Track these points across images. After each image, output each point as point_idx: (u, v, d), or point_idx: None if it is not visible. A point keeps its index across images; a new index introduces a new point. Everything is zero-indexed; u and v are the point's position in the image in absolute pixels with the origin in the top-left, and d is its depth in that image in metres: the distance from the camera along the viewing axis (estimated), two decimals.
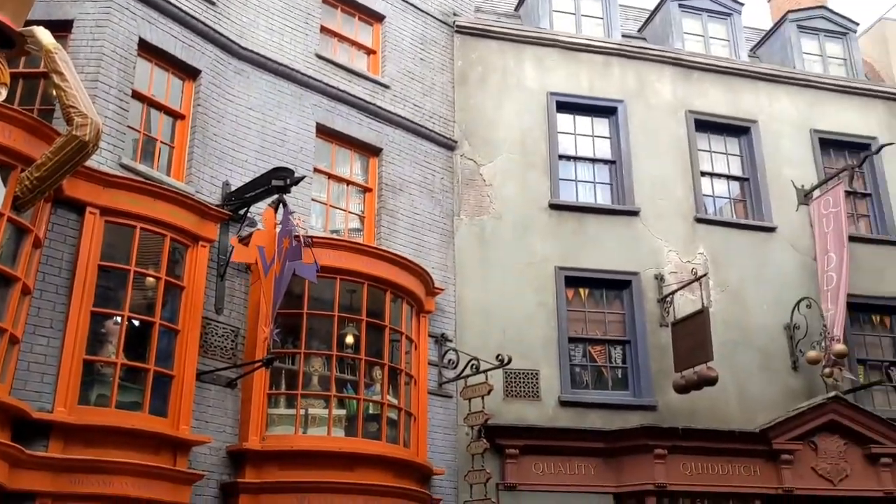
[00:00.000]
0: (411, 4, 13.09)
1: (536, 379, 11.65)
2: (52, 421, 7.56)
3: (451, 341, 11.44)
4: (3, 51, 7.94)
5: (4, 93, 7.92)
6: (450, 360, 11.22)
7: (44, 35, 7.65)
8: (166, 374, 8.54)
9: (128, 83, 9.32)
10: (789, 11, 16.14)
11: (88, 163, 7.83)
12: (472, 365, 10.70)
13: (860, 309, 13.46)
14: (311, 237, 9.40)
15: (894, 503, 11.91)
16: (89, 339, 8.15)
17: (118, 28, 9.32)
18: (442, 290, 11.48)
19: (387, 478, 9.56)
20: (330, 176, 11.45)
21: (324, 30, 11.96)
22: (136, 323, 8.69)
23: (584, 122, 13.74)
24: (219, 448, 8.95)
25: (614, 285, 12.67)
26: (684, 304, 12.30)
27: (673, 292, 12.41)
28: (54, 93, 8.22)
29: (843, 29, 16.14)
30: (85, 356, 8.05)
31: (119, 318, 8.49)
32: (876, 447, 11.93)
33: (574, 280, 12.48)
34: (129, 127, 9.30)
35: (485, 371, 10.55)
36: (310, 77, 11.30)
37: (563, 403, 11.62)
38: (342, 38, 12.30)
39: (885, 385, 13.22)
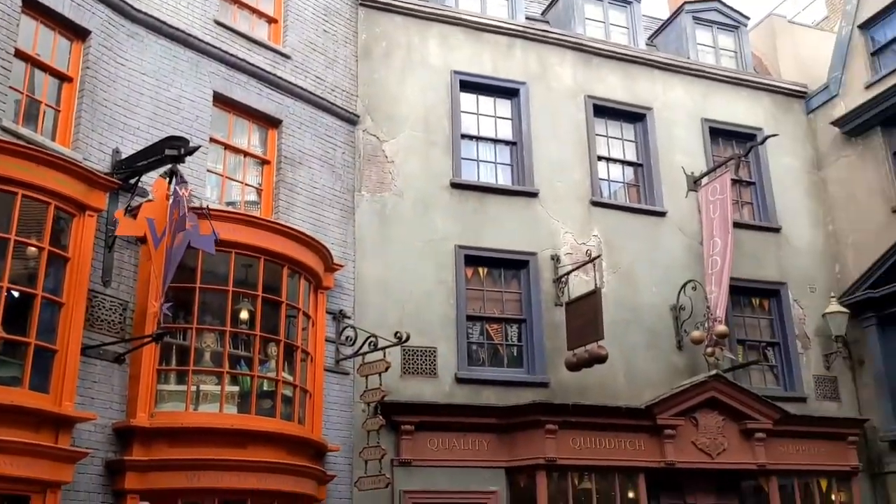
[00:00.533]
0: None
1: (434, 356, 11.74)
2: None
3: (349, 318, 11.39)
4: None
5: None
6: (347, 337, 11.17)
7: None
8: (49, 348, 8.17)
9: (10, 41, 8.78)
10: (686, 2, 16.65)
11: None
12: (370, 342, 10.69)
13: (741, 292, 14.16)
14: (208, 208, 9.16)
15: (767, 475, 12.66)
16: None
17: None
18: (341, 266, 11.39)
19: (280, 455, 9.48)
20: (227, 147, 11.15)
21: None
22: (16, 294, 8.25)
23: (486, 102, 13.84)
24: (104, 425, 8.66)
25: (512, 265, 12.88)
26: (578, 284, 12.63)
27: (568, 273, 12.72)
28: None
29: (735, 22, 16.79)
30: None
31: None
32: (751, 423, 12.61)
33: (473, 259, 12.61)
34: (11, 88, 8.78)
35: (382, 348, 10.56)
36: (207, 44, 10.93)
37: (460, 380, 11.77)
38: (242, 5, 11.92)
39: (762, 364, 13.99)
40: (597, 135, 14.25)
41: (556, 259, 12.95)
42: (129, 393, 8.91)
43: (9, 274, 8.02)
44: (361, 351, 10.80)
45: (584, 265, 12.56)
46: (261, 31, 12.06)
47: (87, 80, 9.49)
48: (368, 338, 10.74)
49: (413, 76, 13.26)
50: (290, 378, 10.10)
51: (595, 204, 13.66)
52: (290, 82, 11.80)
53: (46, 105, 9.30)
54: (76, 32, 9.61)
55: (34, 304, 8.18)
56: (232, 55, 11.17)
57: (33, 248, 8.42)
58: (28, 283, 8.31)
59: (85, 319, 8.60)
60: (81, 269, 8.61)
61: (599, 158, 14.16)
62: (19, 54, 8.97)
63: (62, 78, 9.46)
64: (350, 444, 10.83)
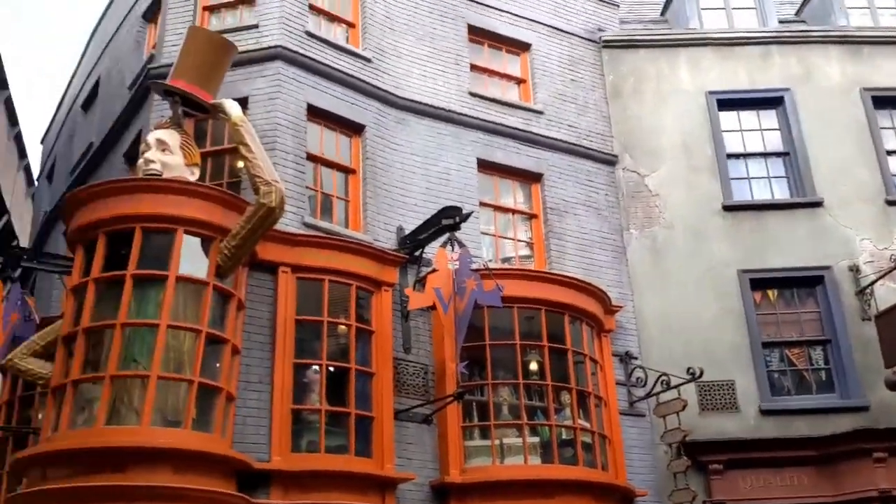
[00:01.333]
0: (555, 28, 13.18)
1: (732, 389, 11.21)
2: (271, 470, 8.12)
3: (636, 359, 11.25)
4: (196, 113, 8.96)
5: (197, 172, 8.77)
6: (638, 378, 11.01)
7: (233, 108, 8.47)
8: (366, 415, 8.96)
9: (301, 147, 9.97)
10: None
11: (276, 225, 8.44)
12: (662, 381, 10.47)
13: None
14: (487, 266, 9.63)
15: None
16: (294, 389, 8.71)
17: (288, 98, 10.03)
18: (620, 307, 11.33)
19: (587, 503, 9.50)
20: (495, 207, 11.67)
21: (473, 67, 12.26)
22: (332, 369, 9.18)
23: (748, 116, 13.22)
24: (422, 484, 9.23)
25: (805, 282, 12.02)
26: (886, 293, 11.47)
27: (872, 283, 11.61)
28: (240, 164, 9.01)
29: None
30: (292, 406, 8.61)
31: (318, 367, 9.03)
32: None
33: (760, 282, 11.94)
34: (307, 187, 9.94)
35: (676, 386, 10.29)
36: (466, 115, 11.62)
37: (765, 412, 11.09)
38: (492, 73, 12.57)
39: None
40: (881, 128, 12.99)
41: (855, 269, 11.87)
42: (440, 451, 9.46)
43: (326, 352, 8.96)
44: (654, 391, 10.60)
45: (890, 272, 11.39)
46: (512, 93, 12.59)
47: (367, 168, 10.48)
48: (660, 377, 10.53)
49: (666, 106, 13.05)
50: (587, 424, 10.13)
51: (891, 203, 12.38)
52: (546, 136, 12.15)
53: (337, 197, 10.39)
54: (353, 129, 10.69)
55: (349, 376, 9.05)
56: (489, 121, 11.76)
57: (343, 327, 9.35)
58: (341, 358, 9.21)
59: (393, 386, 9.33)
60: (384, 339, 9.40)
61: (889, 153, 12.87)
62: (310, 157, 10.14)
63: (347, 171, 10.53)
64: (656, 488, 10.58)
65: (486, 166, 11.63)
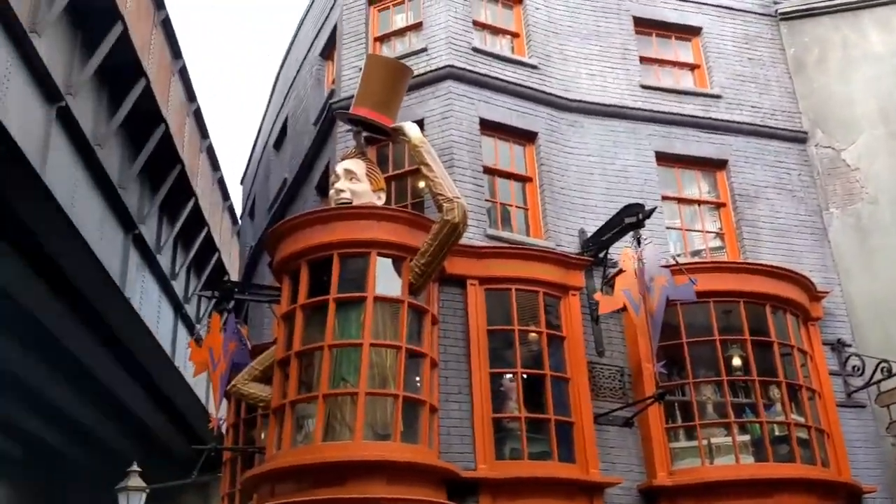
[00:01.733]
0: (726, 7, 12.65)
1: None
2: (479, 478, 8.29)
3: (850, 346, 10.50)
4: (379, 137, 9.43)
5: (384, 196, 9.18)
6: (854, 367, 10.27)
7: (412, 130, 8.84)
8: (566, 421, 8.96)
9: (478, 161, 10.17)
10: None
11: (461, 240, 8.66)
12: (883, 368, 9.71)
13: None
14: (676, 261, 9.36)
15: None
16: (492, 398, 8.87)
17: (461, 115, 10.28)
18: (826, 293, 10.62)
19: (810, 502, 8.96)
20: (679, 200, 11.32)
21: (643, 60, 12.00)
22: (526, 377, 9.25)
23: None
24: (629, 488, 9.08)
25: None
26: None
27: None
28: (422, 184, 9.34)
29: None
30: (492, 414, 8.77)
31: (512, 375, 9.14)
32: None
33: None
34: (486, 200, 10.12)
35: None
36: (639, 109, 11.38)
37: None
38: (663, 63, 12.24)
39: None
40: None
41: None
42: (644, 454, 9.27)
43: (520, 360, 9.06)
44: (874, 379, 9.85)
45: None
46: (686, 80, 12.21)
47: (543, 175, 10.51)
48: (879, 364, 9.78)
49: (857, 73, 12.14)
50: (801, 419, 9.56)
51: None
52: (727, 120, 11.66)
53: (516, 206, 10.50)
54: (526, 137, 10.77)
55: (544, 382, 9.09)
56: (665, 112, 11.46)
57: (534, 334, 9.41)
58: (535, 365, 9.28)
59: (590, 389, 9.26)
60: (576, 344, 9.37)
61: None
62: (486, 170, 10.32)
63: (523, 180, 10.62)
64: (885, 483, 9.80)
65: (665, 159, 11.32)
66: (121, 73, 13.38)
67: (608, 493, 8.87)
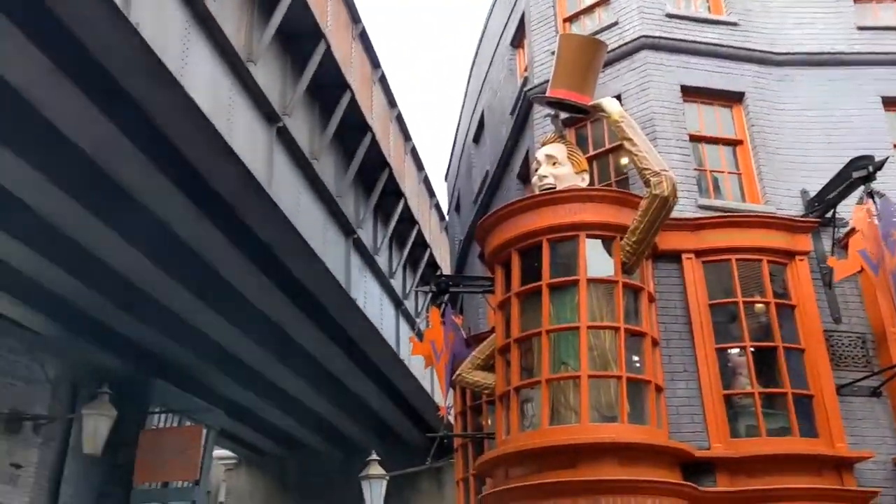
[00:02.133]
0: None
1: None
2: (714, 457, 8.01)
3: None
4: (578, 116, 9.38)
5: (587, 178, 9.12)
6: None
7: (612, 105, 8.72)
8: (804, 394, 8.43)
9: (682, 130, 9.81)
10: None
11: (672, 214, 8.40)
12: None
13: None
14: None
15: None
16: (721, 374, 8.53)
17: (660, 84, 9.97)
18: None
19: None
20: None
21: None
22: (753, 350, 8.79)
23: None
24: (882, 462, 8.39)
25: None
26: None
27: None
28: (626, 160, 9.18)
29: None
30: (723, 391, 8.44)
31: (741, 350, 8.73)
32: None
33: None
34: (694, 169, 9.74)
35: None
36: (858, 53, 10.47)
37: None
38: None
39: None
40: None
41: None
42: None
43: (747, 333, 8.64)
44: None
45: None
46: None
47: (755, 136, 9.95)
48: None
49: None
50: None
51: None
52: None
53: (728, 173, 10.01)
54: (731, 98, 10.23)
55: (776, 355, 8.59)
56: (889, 52, 10.46)
57: (760, 305, 8.93)
58: (765, 338, 8.78)
59: (829, 359, 8.66)
60: (809, 312, 8.78)
61: None
62: (692, 138, 9.92)
63: (733, 144, 10.10)
64: None
65: (893, 103, 10.31)
66: (328, 88, 14.20)
67: (858, 468, 8.25)
